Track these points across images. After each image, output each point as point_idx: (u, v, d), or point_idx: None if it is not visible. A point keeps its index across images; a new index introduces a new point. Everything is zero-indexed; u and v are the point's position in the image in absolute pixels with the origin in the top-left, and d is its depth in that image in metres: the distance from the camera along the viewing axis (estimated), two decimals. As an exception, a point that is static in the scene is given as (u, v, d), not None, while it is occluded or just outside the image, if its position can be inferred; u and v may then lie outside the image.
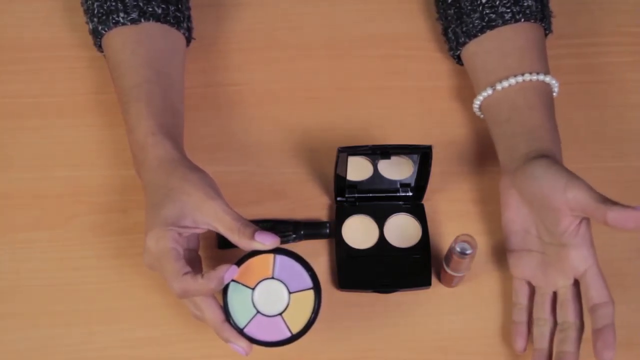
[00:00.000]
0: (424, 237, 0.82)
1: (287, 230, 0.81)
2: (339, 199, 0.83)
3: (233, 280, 0.72)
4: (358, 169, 0.83)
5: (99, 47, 0.85)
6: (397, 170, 0.83)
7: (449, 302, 0.80)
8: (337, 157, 0.78)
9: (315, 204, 0.84)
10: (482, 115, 0.85)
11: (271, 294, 0.73)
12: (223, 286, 0.71)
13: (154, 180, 0.75)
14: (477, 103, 0.84)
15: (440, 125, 0.89)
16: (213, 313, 0.72)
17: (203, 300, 0.72)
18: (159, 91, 0.79)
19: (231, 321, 0.72)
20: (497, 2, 0.83)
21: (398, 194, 0.84)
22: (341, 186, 0.82)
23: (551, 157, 0.76)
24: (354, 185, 0.83)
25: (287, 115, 0.89)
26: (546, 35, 0.86)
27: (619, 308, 0.80)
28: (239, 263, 0.73)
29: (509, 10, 0.83)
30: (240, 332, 0.72)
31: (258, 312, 0.72)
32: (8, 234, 0.82)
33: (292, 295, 0.73)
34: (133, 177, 0.84)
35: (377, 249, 0.82)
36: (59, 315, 0.79)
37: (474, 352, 0.79)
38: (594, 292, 0.74)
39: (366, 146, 0.79)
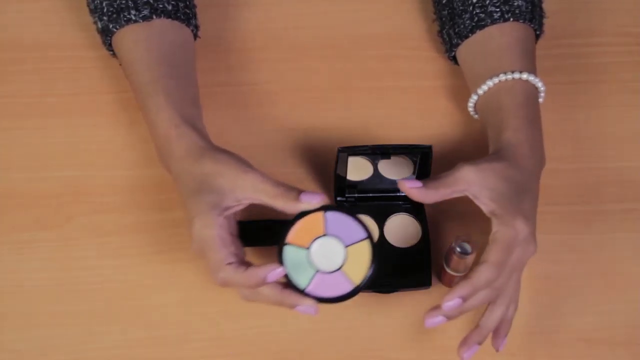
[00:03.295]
0: (424, 237, 0.82)
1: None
2: (339, 199, 0.83)
3: (287, 244, 0.72)
4: (358, 169, 0.83)
5: (109, 46, 0.84)
6: (397, 170, 0.83)
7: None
8: (337, 157, 0.78)
9: (315, 204, 0.84)
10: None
11: (327, 250, 0.72)
12: (263, 285, 0.71)
13: (185, 169, 0.75)
14: (470, 109, 0.84)
15: (440, 125, 0.89)
16: (269, 286, 0.72)
17: None
18: (176, 84, 0.79)
19: (292, 284, 0.71)
20: (487, 2, 0.83)
21: (398, 194, 0.84)
22: (341, 186, 0.82)
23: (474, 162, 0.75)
24: (354, 185, 0.83)
25: (287, 115, 0.89)
26: (537, 36, 0.85)
27: (619, 308, 0.80)
28: (289, 226, 0.72)
29: (498, 10, 0.83)
30: (303, 293, 0.71)
31: (317, 270, 0.72)
32: (8, 234, 0.82)
33: (348, 248, 0.72)
34: (133, 177, 0.84)
35: (377, 249, 0.82)
36: (59, 315, 0.79)
37: (474, 352, 0.79)
38: (484, 253, 0.73)
39: (366, 146, 0.79)
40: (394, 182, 0.83)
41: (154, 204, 0.83)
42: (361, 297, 0.80)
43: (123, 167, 0.85)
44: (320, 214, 0.72)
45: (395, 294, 0.80)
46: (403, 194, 0.83)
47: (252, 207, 0.83)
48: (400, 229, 0.83)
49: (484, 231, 0.83)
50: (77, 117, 0.88)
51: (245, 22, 0.94)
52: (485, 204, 0.74)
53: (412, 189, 0.73)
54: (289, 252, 0.72)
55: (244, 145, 0.87)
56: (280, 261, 0.71)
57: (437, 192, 0.73)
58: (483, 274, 0.71)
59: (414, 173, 0.82)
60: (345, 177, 0.81)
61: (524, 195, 0.74)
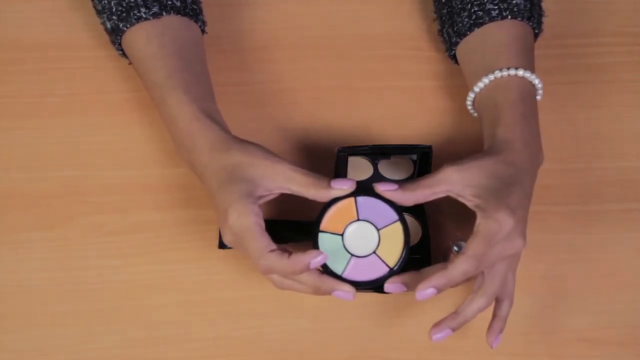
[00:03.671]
0: (424, 237, 0.82)
1: (288, 230, 0.81)
2: (339, 199, 0.83)
3: (322, 231, 0.73)
4: (358, 169, 0.83)
5: (118, 45, 0.84)
6: (397, 170, 0.83)
7: (449, 302, 0.80)
8: (337, 157, 0.78)
9: (315, 204, 0.84)
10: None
11: (361, 235, 0.74)
12: (305, 272, 0.71)
13: (212, 162, 0.75)
14: (469, 106, 0.84)
15: (440, 125, 0.89)
16: (308, 273, 0.72)
17: None
18: (193, 79, 0.80)
19: (329, 270, 0.73)
20: (485, 0, 0.83)
21: (398, 194, 0.84)
22: (341, 186, 0.82)
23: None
24: (354, 185, 0.83)
25: (287, 115, 0.89)
26: (536, 34, 0.85)
27: (619, 308, 0.80)
28: (322, 214, 0.74)
29: (496, 8, 0.83)
30: (340, 278, 0.72)
31: (352, 255, 0.73)
32: (8, 234, 0.82)
33: (381, 231, 0.74)
34: (133, 177, 0.84)
35: (377, 249, 0.82)
36: (59, 315, 0.79)
37: (473, 351, 0.79)
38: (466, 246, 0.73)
39: (366, 146, 0.79)
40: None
41: (154, 204, 0.83)
42: (361, 297, 0.80)
43: (123, 167, 0.85)
44: (351, 199, 0.74)
45: (395, 294, 0.80)
46: (403, 194, 0.83)
47: (276, 205, 0.83)
48: (400, 229, 0.83)
49: (484, 231, 0.83)
50: (77, 117, 0.88)
51: (245, 22, 0.94)
52: (469, 200, 0.74)
53: (386, 191, 0.73)
54: (323, 239, 0.73)
55: (244, 145, 0.87)
56: (315, 248, 0.72)
57: (414, 194, 0.73)
58: (459, 266, 0.71)
59: (414, 173, 0.82)
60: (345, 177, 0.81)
61: (512, 188, 0.73)
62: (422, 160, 0.80)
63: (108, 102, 0.88)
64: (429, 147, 0.78)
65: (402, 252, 0.73)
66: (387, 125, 0.89)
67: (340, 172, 0.80)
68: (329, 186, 0.73)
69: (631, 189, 0.86)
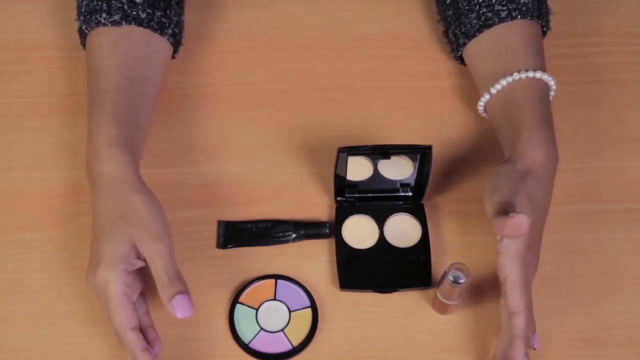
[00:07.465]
0: (424, 237, 0.82)
1: (287, 230, 0.81)
2: (339, 199, 0.83)
3: (239, 303, 0.79)
4: (358, 169, 0.83)
5: (84, 47, 0.84)
6: (397, 170, 0.83)
7: (449, 302, 0.80)
8: (337, 157, 0.78)
9: (315, 204, 0.84)
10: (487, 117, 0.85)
11: (274, 313, 0.79)
12: None
13: (103, 200, 0.74)
14: (480, 108, 0.84)
15: (440, 125, 0.89)
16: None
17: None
18: (126, 100, 0.79)
19: (237, 339, 0.78)
20: (493, 1, 0.83)
21: (398, 194, 0.84)
22: (341, 186, 0.82)
23: (509, 163, 0.76)
24: (354, 185, 0.83)
25: (287, 115, 0.89)
26: (544, 32, 0.86)
27: (619, 308, 0.80)
28: (244, 287, 0.79)
29: (504, 8, 0.83)
30: (246, 346, 0.77)
31: (262, 329, 0.78)
32: (8, 234, 0.82)
33: (292, 313, 0.78)
34: (133, 177, 0.84)
35: (377, 249, 0.82)
36: (59, 315, 0.79)
37: (473, 352, 0.79)
38: (508, 301, 0.73)
39: (366, 146, 0.79)
40: (394, 182, 0.83)
41: (154, 204, 0.83)
42: (361, 297, 0.80)
43: (123, 167, 0.85)
44: (272, 280, 0.80)
45: (395, 294, 0.80)
46: (403, 194, 0.84)
47: (249, 206, 0.83)
48: (400, 229, 0.83)
49: (483, 231, 0.83)
50: (77, 117, 0.88)
51: (243, 22, 0.94)
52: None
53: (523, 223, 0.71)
54: (239, 309, 0.79)
55: (244, 145, 0.87)
56: (230, 317, 0.78)
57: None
58: (518, 324, 0.72)
59: (414, 173, 0.82)
60: (345, 177, 0.81)
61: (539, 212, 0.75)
62: (422, 160, 0.80)
63: (108, 102, 0.88)
64: (429, 147, 0.78)
65: (308, 333, 0.78)
66: (387, 125, 0.89)
67: (340, 172, 0.80)
68: (169, 299, 0.71)
69: (631, 189, 0.86)
